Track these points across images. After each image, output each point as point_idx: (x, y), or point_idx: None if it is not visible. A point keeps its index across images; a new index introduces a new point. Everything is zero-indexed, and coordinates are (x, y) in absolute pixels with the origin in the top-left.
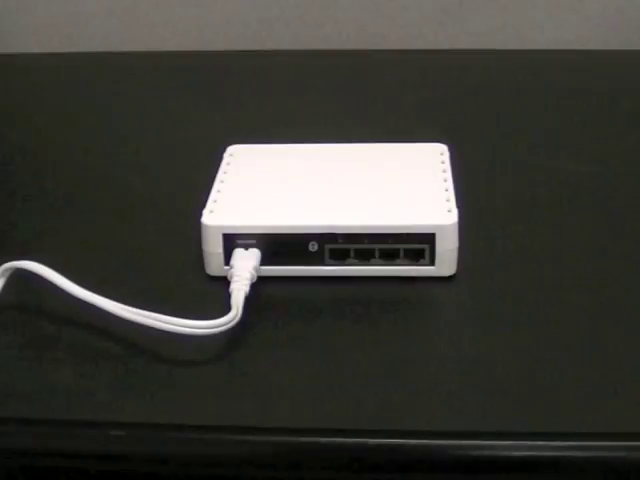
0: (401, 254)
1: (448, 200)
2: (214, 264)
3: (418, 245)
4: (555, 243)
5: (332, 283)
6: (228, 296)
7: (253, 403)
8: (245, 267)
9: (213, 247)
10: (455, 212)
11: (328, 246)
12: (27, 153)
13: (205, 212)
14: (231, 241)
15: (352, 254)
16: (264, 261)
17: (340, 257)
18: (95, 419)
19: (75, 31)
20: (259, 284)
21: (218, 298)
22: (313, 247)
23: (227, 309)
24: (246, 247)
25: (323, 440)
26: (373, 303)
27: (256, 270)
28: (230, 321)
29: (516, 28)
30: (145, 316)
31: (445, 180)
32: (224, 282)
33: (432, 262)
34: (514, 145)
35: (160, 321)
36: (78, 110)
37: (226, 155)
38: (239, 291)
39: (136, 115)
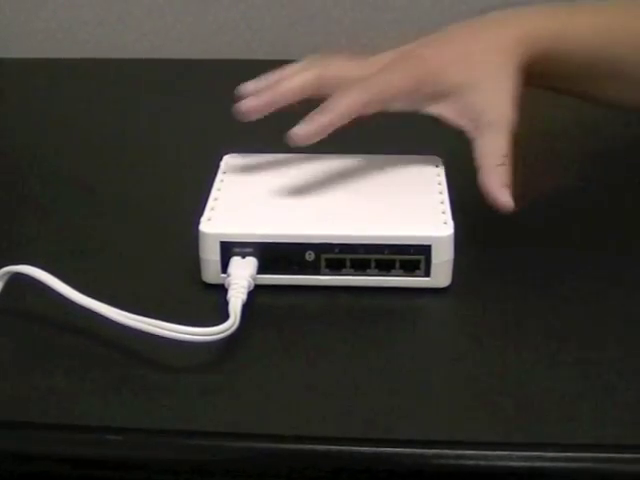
0: (397, 265)
1: (444, 212)
2: (211, 272)
3: (414, 256)
4: (550, 255)
5: (328, 292)
6: (225, 303)
7: (249, 410)
8: (242, 275)
9: (210, 255)
10: (451, 224)
11: (324, 256)
12: (22, 158)
13: (203, 220)
14: (228, 249)
15: (348, 264)
16: (261, 269)
17: (336, 267)
18: (91, 424)
19: (67, 38)
20: (255, 292)
21: (214, 305)
22: (310, 256)
23: (224, 316)
24: (243, 255)
25: (320, 448)
26: (368, 313)
27: (253, 278)
28: (228, 329)
29: None
30: (143, 322)
31: (441, 192)
32: (220, 290)
33: (427, 273)
34: None
35: (158, 327)
36: (71, 117)
37: (223, 164)
38: (237, 299)
39: (130, 123)
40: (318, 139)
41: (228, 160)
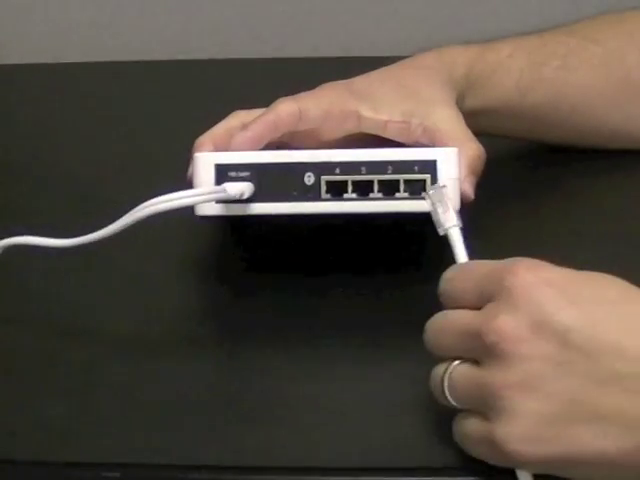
0: (401, 187)
1: None
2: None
3: (419, 175)
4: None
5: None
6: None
7: (250, 442)
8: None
9: (204, 180)
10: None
11: (325, 178)
12: (5, 166)
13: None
14: (223, 173)
15: (350, 187)
16: (258, 197)
17: (337, 192)
18: (87, 460)
19: (57, 41)
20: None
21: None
22: (309, 179)
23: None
24: (239, 180)
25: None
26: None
27: (247, 197)
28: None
29: (505, 36)
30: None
31: None
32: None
33: None
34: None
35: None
36: (60, 121)
37: None
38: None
39: (121, 126)
40: (257, 145)
41: None
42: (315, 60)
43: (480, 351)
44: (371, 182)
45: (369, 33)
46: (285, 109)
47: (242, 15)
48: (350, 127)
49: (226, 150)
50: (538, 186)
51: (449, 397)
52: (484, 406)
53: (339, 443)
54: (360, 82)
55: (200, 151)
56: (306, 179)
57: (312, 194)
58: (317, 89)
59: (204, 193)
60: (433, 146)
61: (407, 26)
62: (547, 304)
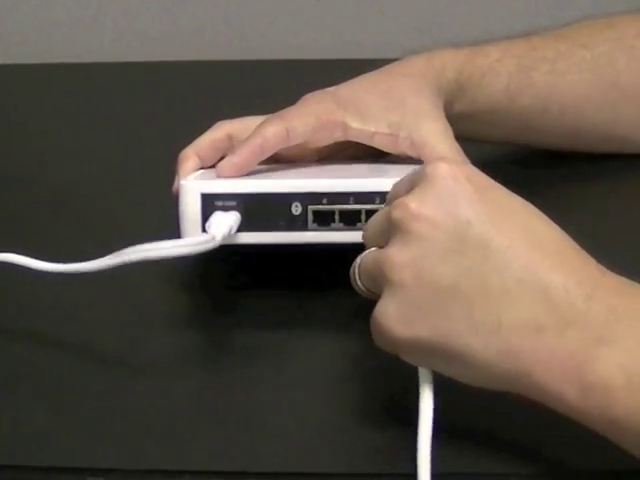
0: None
1: None
2: (190, 228)
3: None
4: None
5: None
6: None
7: (238, 447)
8: (225, 218)
9: (190, 207)
10: None
11: (312, 207)
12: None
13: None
14: (210, 203)
15: (337, 217)
16: (244, 226)
17: (324, 221)
18: (72, 465)
19: (40, 41)
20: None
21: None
22: (296, 209)
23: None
24: (226, 210)
25: None
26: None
27: (235, 229)
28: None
29: (493, 37)
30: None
31: None
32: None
33: None
34: (492, 154)
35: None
36: (43, 123)
37: None
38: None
39: (104, 128)
40: (245, 170)
41: None
42: (302, 62)
43: (389, 230)
44: (359, 212)
45: (356, 35)
46: (271, 130)
47: (228, 17)
48: (337, 137)
49: (211, 162)
50: (529, 190)
51: (358, 281)
52: (379, 285)
53: (325, 450)
54: (345, 91)
55: (184, 164)
56: (293, 209)
57: (299, 224)
58: (301, 102)
59: (192, 244)
60: (419, 160)
61: (394, 29)
62: (460, 195)
